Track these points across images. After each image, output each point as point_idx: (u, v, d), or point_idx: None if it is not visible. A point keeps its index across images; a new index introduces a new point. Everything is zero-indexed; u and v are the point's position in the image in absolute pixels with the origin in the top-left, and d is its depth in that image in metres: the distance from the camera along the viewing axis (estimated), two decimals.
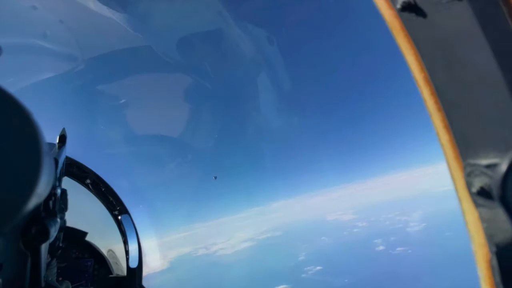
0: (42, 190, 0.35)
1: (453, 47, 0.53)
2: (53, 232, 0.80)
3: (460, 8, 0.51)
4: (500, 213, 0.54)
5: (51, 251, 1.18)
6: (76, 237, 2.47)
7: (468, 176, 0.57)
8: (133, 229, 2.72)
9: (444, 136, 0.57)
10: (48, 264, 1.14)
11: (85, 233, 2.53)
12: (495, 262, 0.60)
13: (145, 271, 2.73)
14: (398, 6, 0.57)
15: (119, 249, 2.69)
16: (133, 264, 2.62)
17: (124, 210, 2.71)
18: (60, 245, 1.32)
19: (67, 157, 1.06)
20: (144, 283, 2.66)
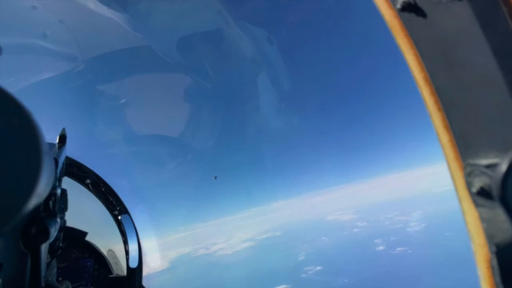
0: (42, 190, 0.35)
1: (453, 47, 0.53)
2: (53, 232, 0.80)
3: (460, 8, 0.51)
4: (500, 213, 0.54)
5: (51, 251, 1.18)
6: (76, 237, 2.47)
7: (468, 176, 0.56)
8: (133, 229, 2.72)
9: (444, 136, 0.57)
10: (48, 264, 1.14)
11: (85, 233, 2.52)
12: (495, 262, 0.60)
13: (145, 271, 2.74)
14: (398, 6, 0.56)
15: (119, 249, 2.69)
16: (133, 264, 2.62)
17: (124, 210, 2.71)
18: (60, 245, 1.32)
19: (67, 157, 1.06)
20: (144, 283, 2.67)
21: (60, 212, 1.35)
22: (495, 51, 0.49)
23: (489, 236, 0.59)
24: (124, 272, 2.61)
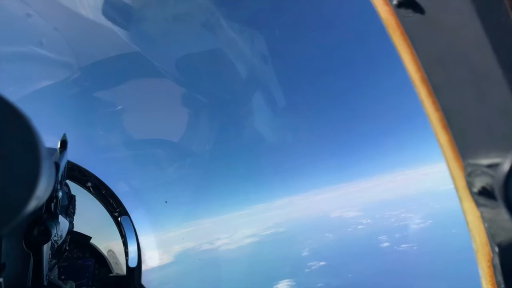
0: (41, 193, 0.36)
1: (451, 44, 0.51)
2: (54, 232, 0.83)
3: (459, 3, 0.49)
4: (502, 212, 0.54)
5: (58, 252, 1.22)
6: (81, 241, 2.55)
7: (469, 176, 0.56)
8: (133, 230, 2.77)
9: (442, 137, 0.56)
10: (53, 264, 1.18)
11: (89, 238, 2.61)
12: (496, 261, 0.59)
13: (149, 266, 2.79)
14: (395, 2, 0.54)
15: (119, 249, 2.76)
16: (133, 263, 2.67)
17: (124, 212, 2.76)
18: (67, 248, 1.36)
19: (68, 162, 1.08)
20: (148, 276, 2.73)
21: (70, 216, 1.39)
22: (496, 47, 0.47)
23: (491, 236, 0.59)
24: (124, 272, 2.67)
